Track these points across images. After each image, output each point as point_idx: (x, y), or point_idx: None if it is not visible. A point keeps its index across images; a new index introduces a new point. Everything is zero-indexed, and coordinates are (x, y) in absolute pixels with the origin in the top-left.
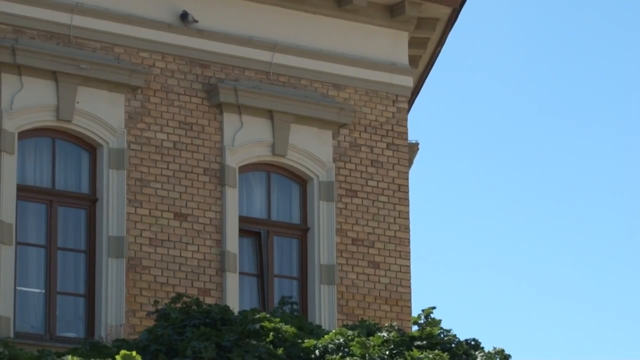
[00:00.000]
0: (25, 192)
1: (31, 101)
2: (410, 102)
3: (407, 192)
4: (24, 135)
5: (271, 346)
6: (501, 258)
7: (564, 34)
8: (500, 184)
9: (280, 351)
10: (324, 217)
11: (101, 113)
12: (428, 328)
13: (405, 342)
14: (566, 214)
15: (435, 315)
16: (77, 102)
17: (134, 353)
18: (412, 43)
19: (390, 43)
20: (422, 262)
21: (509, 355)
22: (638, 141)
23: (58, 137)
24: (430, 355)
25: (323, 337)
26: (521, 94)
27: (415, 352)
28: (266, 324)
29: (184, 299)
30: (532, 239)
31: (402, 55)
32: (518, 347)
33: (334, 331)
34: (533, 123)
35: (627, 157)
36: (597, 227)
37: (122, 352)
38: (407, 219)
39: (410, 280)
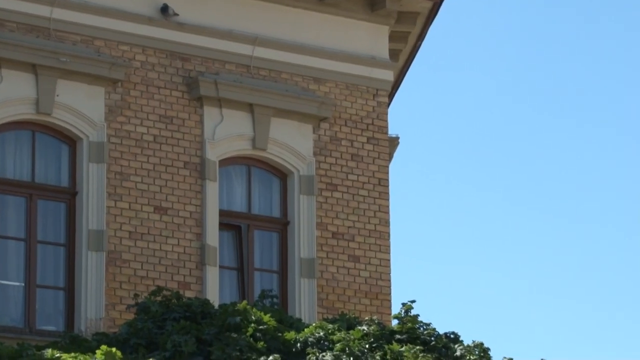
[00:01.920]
0: (4, 186)
1: (11, 94)
2: (391, 96)
3: (387, 186)
4: (3, 128)
5: (251, 339)
6: (481, 251)
7: (545, 28)
8: (480, 178)
9: (260, 344)
10: (304, 210)
11: (81, 106)
12: (409, 323)
13: (385, 335)
14: (546, 208)
15: (415, 308)
16: (57, 95)
17: (114, 349)
18: (393, 37)
19: (370, 37)
20: (402, 256)
21: (488, 349)
22: (617, 132)
23: (38, 130)
24: (411, 349)
25: (303, 330)
26: (502, 87)
27: (395, 346)
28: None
29: (164, 292)
30: (512, 233)
31: (382, 49)
32: (497, 340)
33: (314, 324)
34: (514, 117)
35: (608, 152)
36: (576, 220)
37: (103, 347)
38: (387, 212)
39: (390, 273)
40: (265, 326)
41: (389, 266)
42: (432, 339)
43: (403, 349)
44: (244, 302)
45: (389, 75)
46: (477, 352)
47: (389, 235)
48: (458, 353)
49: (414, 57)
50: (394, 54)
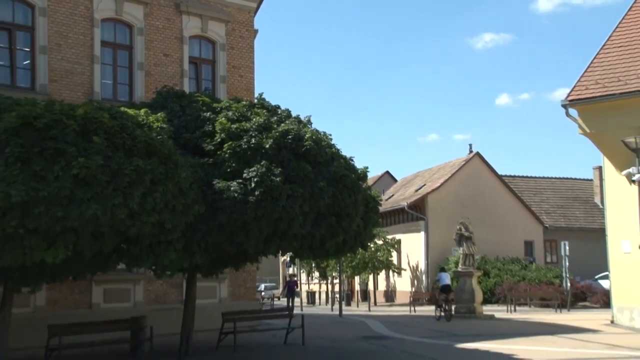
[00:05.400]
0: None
1: None
2: (255, 13)
3: (253, 49)
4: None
5: (201, 105)
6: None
7: None
8: (305, 53)
9: (204, 108)
10: (221, 57)
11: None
12: (261, 102)
13: (252, 105)
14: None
15: (265, 96)
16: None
17: (148, 109)
18: None
19: None
20: (263, 75)
21: (290, 110)
22: None
23: None
24: (262, 111)
25: (221, 102)
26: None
27: (256, 110)
28: (200, 98)
29: (166, 87)
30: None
31: None
32: (306, 109)
33: (225, 101)
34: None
35: None
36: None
37: (143, 109)
38: (253, 60)
39: (254, 82)
40: (206, 100)
41: (254, 80)
42: (270, 107)
43: (259, 110)
44: (199, 93)
45: (254, 4)
46: (286, 111)
47: (253, 66)
48: (279, 112)
49: None
50: None
